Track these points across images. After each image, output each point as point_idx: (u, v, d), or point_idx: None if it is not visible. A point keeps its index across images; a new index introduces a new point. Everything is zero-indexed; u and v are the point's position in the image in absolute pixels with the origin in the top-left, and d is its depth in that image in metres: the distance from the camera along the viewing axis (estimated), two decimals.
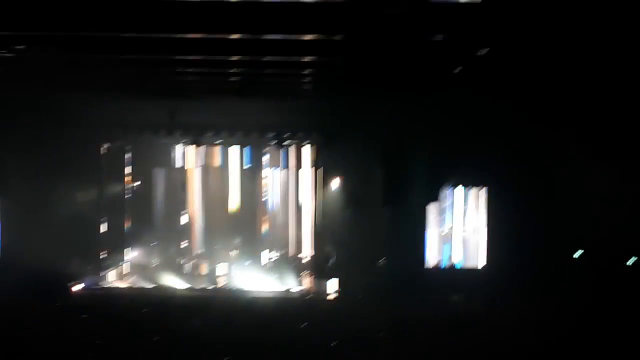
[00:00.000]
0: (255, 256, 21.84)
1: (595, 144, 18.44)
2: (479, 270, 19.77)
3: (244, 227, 22.26)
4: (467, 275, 19.91)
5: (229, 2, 9.12)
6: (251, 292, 19.91)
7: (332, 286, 19.19)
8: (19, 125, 19.17)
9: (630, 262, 18.27)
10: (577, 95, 16.49)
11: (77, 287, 19.46)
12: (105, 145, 20.46)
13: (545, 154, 19.01)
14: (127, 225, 22.02)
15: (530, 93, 16.36)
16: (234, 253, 21.93)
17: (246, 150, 21.99)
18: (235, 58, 13.07)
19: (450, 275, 19.89)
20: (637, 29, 9.12)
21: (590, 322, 14.30)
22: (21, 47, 11.64)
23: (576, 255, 18.75)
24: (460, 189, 19.90)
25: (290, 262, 21.45)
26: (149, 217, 22.43)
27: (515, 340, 13.83)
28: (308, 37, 10.69)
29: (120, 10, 9.43)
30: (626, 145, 18.38)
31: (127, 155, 21.78)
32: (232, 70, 14.97)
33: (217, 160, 22.40)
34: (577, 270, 18.55)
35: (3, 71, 14.89)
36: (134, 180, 22.22)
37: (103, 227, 20.85)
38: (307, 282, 20.43)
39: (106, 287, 20.08)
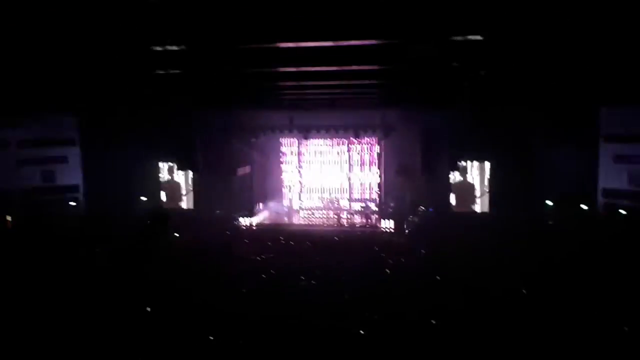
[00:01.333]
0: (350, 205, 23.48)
1: (557, 135, 19.87)
2: (486, 213, 21.40)
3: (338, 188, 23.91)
4: (479, 216, 21.40)
5: (322, 47, 8.93)
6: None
7: (390, 224, 20.78)
8: (205, 126, 21.22)
9: (584, 207, 19.63)
10: (546, 102, 17.74)
11: (239, 223, 21.63)
12: (253, 140, 22.56)
13: (524, 141, 20.29)
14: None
15: (515, 100, 17.30)
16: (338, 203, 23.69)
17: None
18: (330, 83, 13.43)
19: (467, 217, 21.16)
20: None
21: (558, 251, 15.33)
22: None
23: (548, 205, 20.14)
24: (470, 162, 21.46)
25: (367, 209, 23.01)
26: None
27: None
28: (372, 67, 11.10)
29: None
30: (577, 135, 19.80)
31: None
32: (328, 91, 15.53)
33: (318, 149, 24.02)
34: (550, 215, 19.96)
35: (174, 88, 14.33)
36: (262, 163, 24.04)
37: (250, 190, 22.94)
38: (376, 221, 21.86)
39: (256, 224, 21.83)
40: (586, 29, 7.81)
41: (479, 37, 7.75)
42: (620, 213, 19.08)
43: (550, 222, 19.88)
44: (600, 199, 19.98)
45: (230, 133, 21.99)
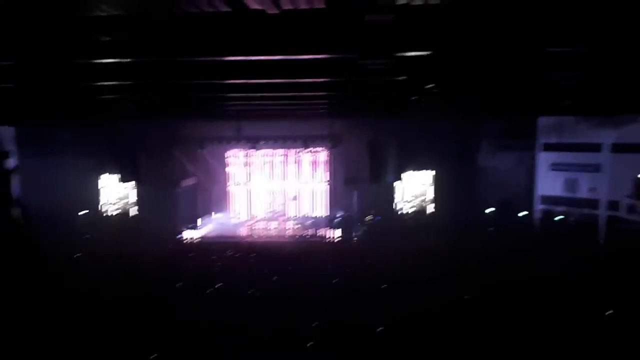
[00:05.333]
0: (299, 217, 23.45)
1: (498, 144, 21.11)
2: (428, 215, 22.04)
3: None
4: (423, 217, 22.04)
5: (272, 60, 8.87)
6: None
7: (338, 233, 21.03)
8: (147, 137, 20.86)
9: (521, 215, 20.81)
10: (489, 113, 18.20)
11: (181, 237, 21.26)
12: (199, 150, 22.37)
13: (467, 150, 21.25)
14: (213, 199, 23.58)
15: (460, 111, 17.38)
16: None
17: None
18: (278, 94, 13.19)
19: (414, 218, 21.83)
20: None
21: (495, 259, 15.93)
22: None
23: (488, 211, 21.07)
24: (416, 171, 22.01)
25: (315, 219, 23.05)
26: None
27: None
28: (322, 80, 10.87)
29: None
30: (517, 144, 21.13)
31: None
32: (277, 102, 15.29)
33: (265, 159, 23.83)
34: (490, 221, 20.96)
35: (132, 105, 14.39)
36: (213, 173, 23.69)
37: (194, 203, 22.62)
38: (323, 231, 21.66)
39: (198, 238, 21.36)
40: (526, 44, 7.97)
41: (426, 53, 7.86)
42: (555, 219, 20.09)
43: (490, 229, 20.66)
44: (538, 206, 20.93)
45: (174, 144, 21.69)
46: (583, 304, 11.51)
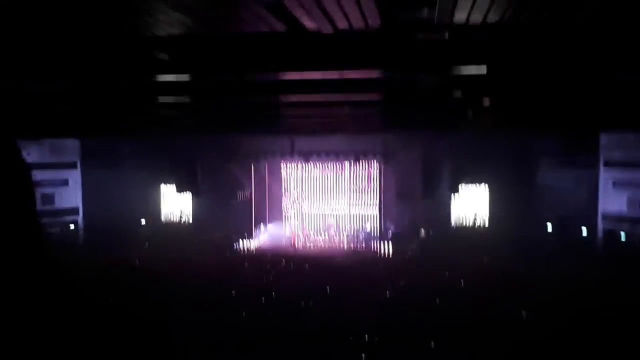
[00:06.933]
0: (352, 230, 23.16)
1: (557, 159, 20.45)
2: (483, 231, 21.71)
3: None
4: (478, 232, 21.74)
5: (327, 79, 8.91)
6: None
7: (391, 247, 20.59)
8: (205, 151, 21.45)
9: (584, 233, 19.99)
10: (547, 128, 17.86)
11: (236, 247, 21.40)
12: (254, 164, 22.69)
13: (524, 165, 20.69)
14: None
15: (517, 126, 17.26)
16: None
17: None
18: (333, 110, 13.18)
19: (469, 234, 21.53)
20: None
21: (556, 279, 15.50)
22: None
23: (549, 228, 20.44)
24: (470, 185, 21.82)
25: (367, 233, 22.76)
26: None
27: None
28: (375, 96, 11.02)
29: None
30: (578, 160, 20.44)
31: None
32: (330, 118, 15.26)
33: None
34: (549, 238, 20.20)
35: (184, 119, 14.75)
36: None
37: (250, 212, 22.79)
38: (379, 246, 21.13)
39: (253, 249, 21.63)
40: (586, 58, 7.70)
41: (482, 71, 7.75)
42: (620, 237, 19.18)
43: (548, 246, 19.86)
44: (600, 223, 20.07)
45: (231, 157, 22.17)
46: None
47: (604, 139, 19.60)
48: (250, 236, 22.20)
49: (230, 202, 22.39)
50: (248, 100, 12.19)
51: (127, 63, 8.37)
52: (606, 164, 19.80)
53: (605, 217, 19.96)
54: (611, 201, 19.72)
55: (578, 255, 18.04)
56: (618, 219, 19.51)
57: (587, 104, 12.45)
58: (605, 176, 19.85)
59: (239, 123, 16.65)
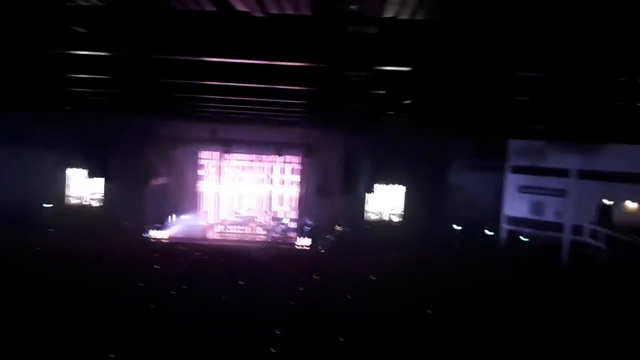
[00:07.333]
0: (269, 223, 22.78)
1: (468, 162, 21.53)
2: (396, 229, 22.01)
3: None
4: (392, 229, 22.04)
5: (253, 64, 8.61)
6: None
7: (307, 241, 20.78)
8: (119, 133, 20.43)
9: (489, 233, 21.24)
10: (462, 133, 18.97)
11: (147, 236, 20.57)
12: (171, 151, 21.87)
13: (438, 168, 21.49)
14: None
15: (435, 129, 17.92)
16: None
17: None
18: (256, 99, 12.74)
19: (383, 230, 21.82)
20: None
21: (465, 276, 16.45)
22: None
23: (455, 228, 21.30)
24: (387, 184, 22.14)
25: (284, 227, 22.51)
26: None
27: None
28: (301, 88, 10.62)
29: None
30: (487, 165, 21.57)
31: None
32: (254, 107, 14.80)
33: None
34: (457, 238, 21.27)
35: (111, 102, 14.42)
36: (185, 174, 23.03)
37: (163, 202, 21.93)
38: (296, 239, 21.26)
39: (165, 238, 20.66)
40: (501, 67, 8.12)
41: (407, 69, 7.89)
42: (521, 239, 20.44)
43: (457, 246, 20.91)
44: (504, 225, 21.36)
45: (146, 142, 21.17)
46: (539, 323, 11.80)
47: (512, 145, 20.78)
48: (163, 225, 21.37)
49: (144, 189, 21.39)
50: (169, 82, 11.61)
51: (39, 33, 7.72)
52: (513, 170, 21.01)
53: (508, 219, 21.24)
54: (515, 205, 20.95)
55: (481, 254, 19.01)
56: (520, 222, 20.80)
57: (497, 110, 12.99)
58: (511, 181, 21.09)
59: (157, 106, 15.92)
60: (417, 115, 13.88)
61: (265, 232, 22.49)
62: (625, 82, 8.19)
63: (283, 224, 22.78)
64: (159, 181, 22.20)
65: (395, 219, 22.27)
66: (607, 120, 12.55)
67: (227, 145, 21.85)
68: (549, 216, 20.26)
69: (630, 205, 18.98)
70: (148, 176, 21.51)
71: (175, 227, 22.22)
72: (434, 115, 14.71)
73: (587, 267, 18.47)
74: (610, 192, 18.96)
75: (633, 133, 14.81)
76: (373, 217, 22.33)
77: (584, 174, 19.41)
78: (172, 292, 13.26)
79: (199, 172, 23.63)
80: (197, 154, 23.38)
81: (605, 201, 19.21)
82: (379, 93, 10.91)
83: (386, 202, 22.20)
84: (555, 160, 19.64)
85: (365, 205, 21.94)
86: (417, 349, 10.37)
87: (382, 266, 17.01)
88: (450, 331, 11.25)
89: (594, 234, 19.09)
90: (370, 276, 15.84)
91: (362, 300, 13.31)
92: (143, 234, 20.60)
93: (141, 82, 11.52)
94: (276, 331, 10.73)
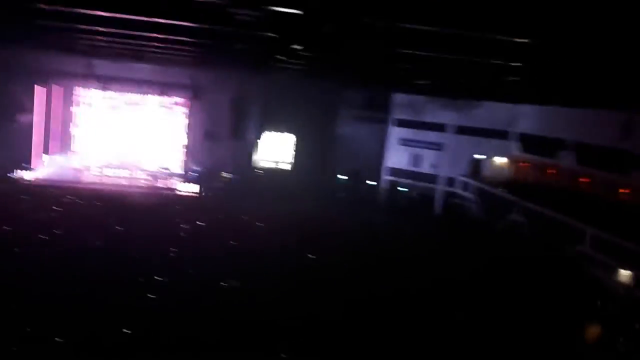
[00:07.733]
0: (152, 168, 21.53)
1: (355, 113, 22.00)
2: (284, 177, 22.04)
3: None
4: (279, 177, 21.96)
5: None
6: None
7: (193, 188, 20.22)
8: None
9: (372, 183, 22.25)
10: (349, 83, 19.43)
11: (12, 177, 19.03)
12: (41, 85, 19.97)
13: (327, 117, 21.66)
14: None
15: (323, 76, 17.73)
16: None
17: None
18: (138, 34, 11.92)
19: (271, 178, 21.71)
20: None
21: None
22: None
23: (340, 177, 22.04)
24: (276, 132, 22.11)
25: (167, 172, 21.56)
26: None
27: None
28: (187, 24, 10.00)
29: None
30: (372, 117, 22.23)
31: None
32: (135, 42, 13.93)
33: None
34: (341, 187, 21.99)
35: None
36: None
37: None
38: (181, 185, 20.54)
39: (33, 180, 19.32)
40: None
41: (298, 12, 7.65)
42: (400, 189, 21.55)
43: (341, 194, 21.59)
44: (385, 177, 22.31)
45: (10, 74, 18.97)
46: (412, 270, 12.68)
47: (397, 99, 21.48)
48: (29, 166, 19.74)
49: (7, 127, 19.40)
50: (37, 8, 10.31)
51: None
52: (396, 123, 21.82)
53: (390, 170, 22.20)
54: (396, 157, 21.97)
55: (363, 203, 19.77)
56: (400, 173, 21.91)
57: (382, 64, 13.20)
58: (393, 134, 21.95)
59: (23, 34, 14.34)
60: (306, 62, 13.60)
61: (147, 178, 21.37)
62: (502, 40, 8.50)
63: (167, 169, 21.84)
64: (26, 118, 20.10)
65: (285, 167, 22.30)
66: (484, 78, 13.12)
67: (105, 82, 20.30)
68: (426, 168, 21.40)
69: (498, 160, 20.59)
70: (13, 113, 19.47)
71: (47, 169, 20.56)
72: (324, 64, 14.58)
73: (457, 214, 19.94)
74: (482, 148, 20.37)
75: (507, 92, 15.82)
76: (263, 164, 22.20)
77: (459, 130, 20.62)
78: (40, 236, 12.34)
79: (73, 110, 21.67)
80: (71, 90, 21.39)
81: (477, 156, 20.63)
82: (269, 36, 10.41)
83: (277, 150, 22.17)
84: (435, 115, 20.60)
85: (255, 152, 21.77)
86: (296, 289, 10.66)
87: (267, 213, 17.07)
88: (329, 273, 11.70)
89: (465, 186, 20.60)
90: (256, 223, 15.80)
91: (245, 246, 13.35)
92: (8, 174, 18.84)
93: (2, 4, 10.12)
94: (156, 277, 10.46)
